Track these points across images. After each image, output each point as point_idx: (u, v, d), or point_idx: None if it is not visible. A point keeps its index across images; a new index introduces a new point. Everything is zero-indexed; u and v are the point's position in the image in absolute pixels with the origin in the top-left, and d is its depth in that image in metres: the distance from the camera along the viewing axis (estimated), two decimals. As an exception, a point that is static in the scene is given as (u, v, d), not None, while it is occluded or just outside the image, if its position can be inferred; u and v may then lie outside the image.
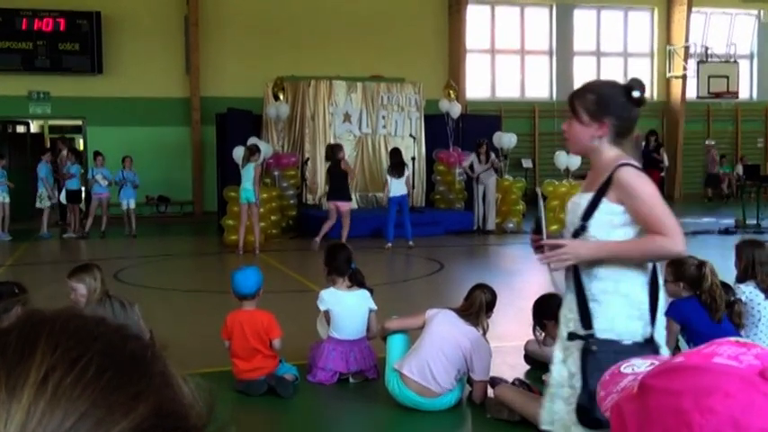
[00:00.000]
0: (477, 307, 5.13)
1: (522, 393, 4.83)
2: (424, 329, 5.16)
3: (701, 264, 4.95)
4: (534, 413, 4.60)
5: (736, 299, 5.25)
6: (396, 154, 13.21)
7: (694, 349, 0.83)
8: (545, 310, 4.65)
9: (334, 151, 12.57)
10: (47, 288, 8.40)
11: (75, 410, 0.56)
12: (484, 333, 5.15)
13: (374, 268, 10.15)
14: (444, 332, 5.04)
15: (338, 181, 12.39)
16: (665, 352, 3.00)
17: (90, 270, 4.85)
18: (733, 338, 0.84)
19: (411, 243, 12.65)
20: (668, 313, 5.01)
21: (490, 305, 5.21)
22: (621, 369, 0.91)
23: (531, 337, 5.87)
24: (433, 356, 4.98)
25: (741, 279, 5.34)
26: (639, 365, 0.89)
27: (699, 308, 4.88)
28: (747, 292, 5.23)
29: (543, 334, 4.84)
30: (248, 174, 12.16)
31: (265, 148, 14.30)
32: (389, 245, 12.57)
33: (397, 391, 5.06)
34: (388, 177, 12.79)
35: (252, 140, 13.77)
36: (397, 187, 12.63)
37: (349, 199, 12.62)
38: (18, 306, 4.64)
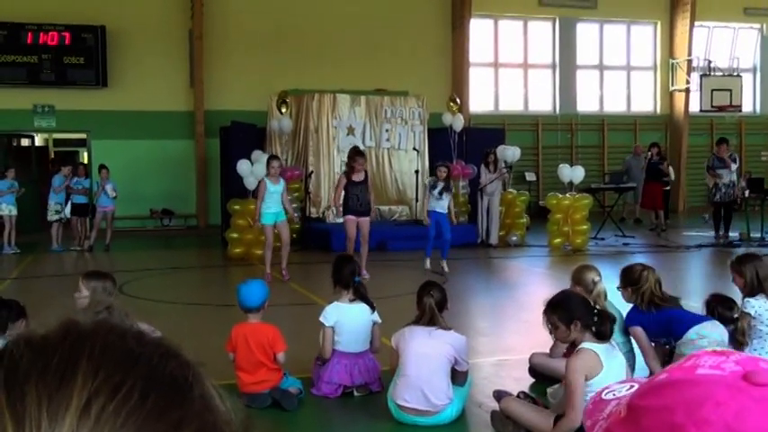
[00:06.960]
0: (429, 312, 5.07)
1: (527, 406, 4.81)
2: (401, 355, 5.04)
3: (644, 269, 5.39)
4: (539, 426, 4.60)
5: (742, 313, 5.25)
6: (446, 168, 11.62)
7: (675, 365, 0.84)
8: (567, 308, 4.36)
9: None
10: (52, 301, 8.43)
11: None
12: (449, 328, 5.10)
13: (377, 282, 10.15)
14: (423, 350, 4.97)
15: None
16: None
17: (104, 279, 4.76)
18: (710, 349, 0.85)
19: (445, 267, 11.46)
20: (627, 323, 5.33)
21: (440, 304, 5.12)
22: (603, 396, 0.91)
23: (536, 349, 5.86)
24: (423, 379, 4.94)
25: (750, 293, 5.33)
26: (619, 390, 0.90)
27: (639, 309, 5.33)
28: (757, 306, 5.24)
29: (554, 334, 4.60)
30: (279, 190, 10.64)
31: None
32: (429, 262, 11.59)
33: (396, 415, 5.07)
34: (444, 193, 11.36)
35: (256, 154, 13.79)
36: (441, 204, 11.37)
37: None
38: (23, 320, 4.66)
